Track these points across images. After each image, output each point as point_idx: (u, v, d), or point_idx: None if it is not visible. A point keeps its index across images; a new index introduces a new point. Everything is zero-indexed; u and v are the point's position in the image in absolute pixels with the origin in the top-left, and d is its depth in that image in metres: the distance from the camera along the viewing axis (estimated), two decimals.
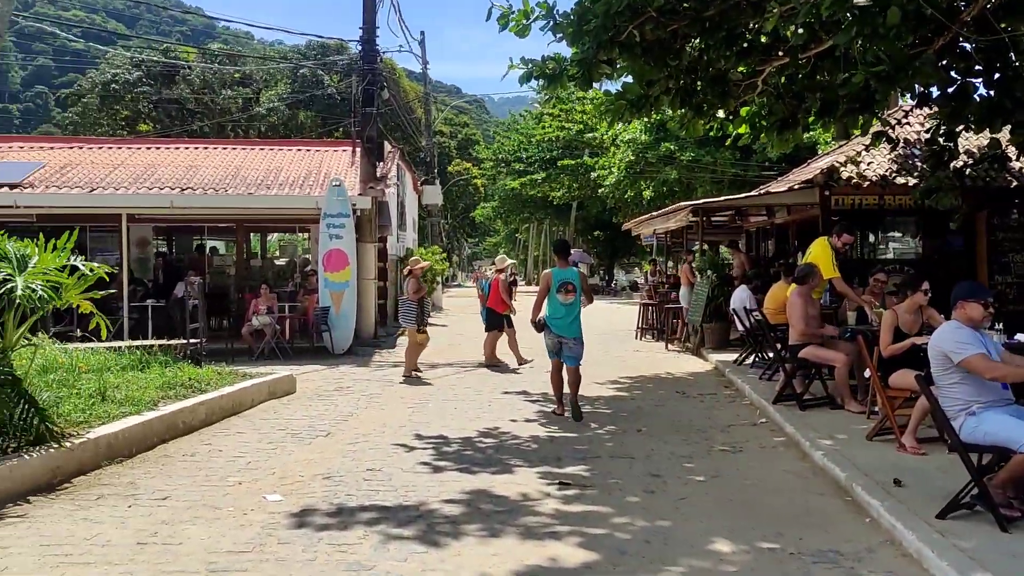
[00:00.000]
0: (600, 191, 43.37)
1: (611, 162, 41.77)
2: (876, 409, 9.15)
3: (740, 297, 14.60)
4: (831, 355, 9.89)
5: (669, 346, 18.58)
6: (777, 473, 7.63)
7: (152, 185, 18.84)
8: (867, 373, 9.47)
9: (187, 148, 22.52)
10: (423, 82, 39.99)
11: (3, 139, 24.40)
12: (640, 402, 11.68)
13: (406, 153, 31.97)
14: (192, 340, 12.82)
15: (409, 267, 14.95)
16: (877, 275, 11.10)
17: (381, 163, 20.84)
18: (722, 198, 19.41)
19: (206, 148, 22.71)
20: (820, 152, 30.46)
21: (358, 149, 20.69)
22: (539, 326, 10.59)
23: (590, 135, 48.17)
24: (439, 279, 27.72)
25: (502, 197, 61.16)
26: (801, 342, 10.09)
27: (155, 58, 50.73)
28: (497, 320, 15.78)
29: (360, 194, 18.55)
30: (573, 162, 49.50)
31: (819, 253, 11.54)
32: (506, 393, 12.44)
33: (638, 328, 21.32)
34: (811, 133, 30.27)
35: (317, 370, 14.86)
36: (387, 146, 21.35)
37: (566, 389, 10.62)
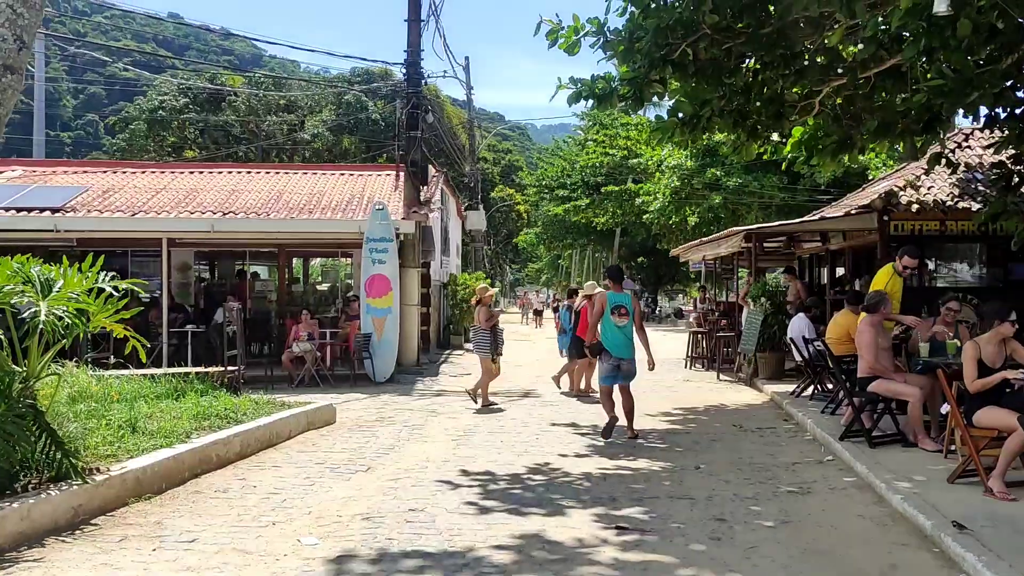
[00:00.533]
0: (645, 217, 42.78)
1: (656, 188, 41.22)
2: (954, 448, 8.51)
3: (798, 326, 13.96)
4: (904, 389, 9.23)
5: (721, 376, 17.92)
6: (852, 519, 7.01)
7: (194, 209, 18.63)
8: (944, 409, 8.83)
9: (230, 172, 22.33)
10: (467, 107, 39.77)
11: (48, 163, 24.48)
12: (695, 436, 11.08)
13: (450, 178, 31.67)
14: (230, 367, 12.44)
15: (478, 295, 14.43)
16: (949, 304, 10.40)
17: (425, 187, 20.51)
18: (775, 223, 18.78)
19: (249, 172, 22.53)
20: (871, 177, 29.72)
21: (402, 173, 20.37)
22: (595, 349, 10.73)
23: (634, 161, 47.59)
24: None
25: (545, 223, 60.73)
26: (870, 374, 9.45)
27: (202, 84, 51.11)
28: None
29: (404, 218, 18.21)
30: (617, 188, 48.99)
31: (878, 279, 10.88)
32: (554, 425, 11.90)
33: (687, 357, 20.67)
34: (863, 157, 29.55)
35: (358, 399, 14.43)
36: (431, 170, 21.02)
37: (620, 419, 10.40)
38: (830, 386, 13.63)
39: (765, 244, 20.38)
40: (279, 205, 19.48)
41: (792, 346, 14.02)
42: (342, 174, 22.75)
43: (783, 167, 15.35)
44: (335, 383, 16.13)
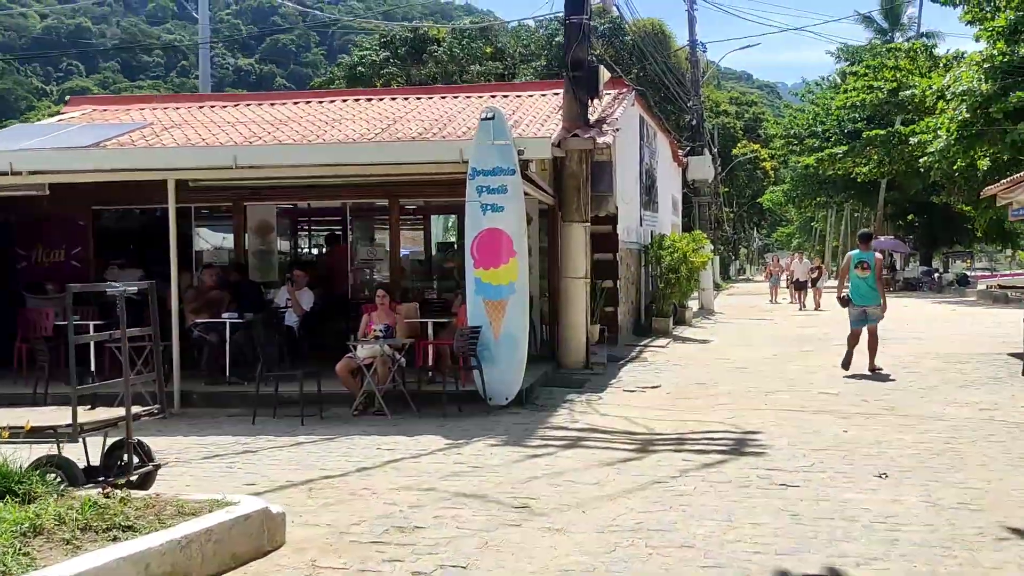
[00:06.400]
0: (922, 161, 33.48)
1: (938, 122, 31.93)
2: None
3: None
4: None
5: None
6: None
7: (268, 144, 12.87)
8: None
9: (333, 101, 16.37)
10: (689, 28, 32.21)
11: (121, 100, 19.94)
12: None
13: (653, 108, 24.53)
14: (104, 409, 6.07)
15: None
16: None
17: (597, 100, 13.68)
18: None
19: (368, 100, 16.46)
20: None
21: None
22: (844, 301, 12.57)
23: (906, 93, 38.06)
24: (697, 276, 19.60)
25: (794, 179, 52.13)
26: None
27: (405, 34, 46.78)
28: None
29: (559, 141, 11.50)
30: (883, 131, 39.71)
31: None
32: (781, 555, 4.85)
33: None
34: None
35: (421, 453, 7.91)
36: (604, 76, 13.89)
37: None
38: None
39: None
40: (385, 135, 13.36)
41: None
42: (492, 95, 16.32)
43: None
44: (420, 410, 9.75)
